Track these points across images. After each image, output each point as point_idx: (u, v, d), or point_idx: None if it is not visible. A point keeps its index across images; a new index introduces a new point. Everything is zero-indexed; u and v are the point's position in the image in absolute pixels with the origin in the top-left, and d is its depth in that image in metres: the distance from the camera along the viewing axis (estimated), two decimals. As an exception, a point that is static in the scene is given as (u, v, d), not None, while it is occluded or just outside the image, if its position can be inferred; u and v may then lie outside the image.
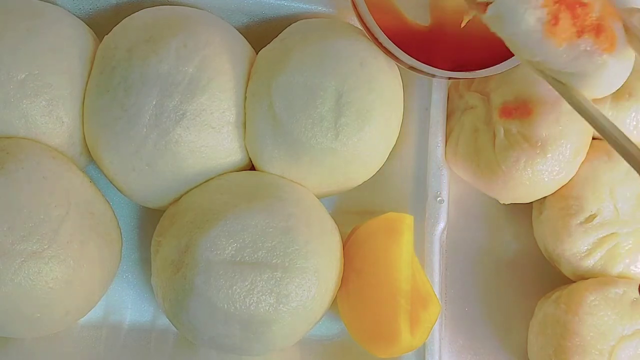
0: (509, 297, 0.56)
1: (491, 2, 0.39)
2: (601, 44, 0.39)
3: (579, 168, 0.52)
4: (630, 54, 0.41)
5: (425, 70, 0.48)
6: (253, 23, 0.54)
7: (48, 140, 0.48)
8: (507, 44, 0.41)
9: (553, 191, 0.52)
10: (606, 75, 0.41)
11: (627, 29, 0.41)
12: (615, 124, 0.52)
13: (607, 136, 0.41)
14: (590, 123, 0.41)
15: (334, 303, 0.50)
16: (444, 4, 0.49)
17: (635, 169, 0.39)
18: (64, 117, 0.48)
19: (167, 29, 0.48)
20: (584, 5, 0.39)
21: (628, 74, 0.42)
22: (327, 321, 0.53)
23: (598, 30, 0.39)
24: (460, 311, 0.55)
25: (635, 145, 0.39)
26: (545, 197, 0.53)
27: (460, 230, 0.56)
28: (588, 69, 0.40)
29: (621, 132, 0.40)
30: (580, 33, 0.39)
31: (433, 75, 0.49)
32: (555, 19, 0.39)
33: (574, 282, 0.52)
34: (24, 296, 0.44)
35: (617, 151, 0.40)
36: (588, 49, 0.39)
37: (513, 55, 0.48)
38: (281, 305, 0.45)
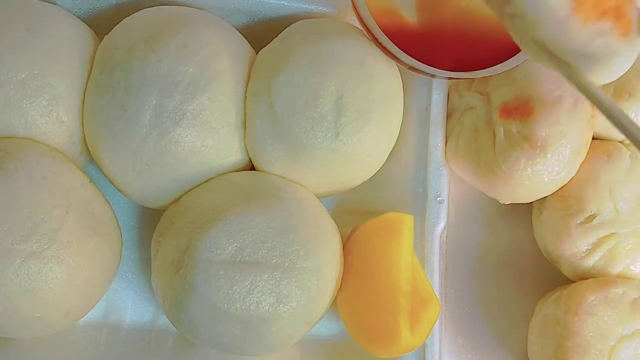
0: (509, 297, 0.56)
1: None
2: (619, 29, 0.39)
3: (579, 168, 0.52)
4: (638, 43, 0.41)
5: (425, 70, 0.48)
6: (253, 23, 0.54)
7: (48, 140, 0.48)
8: (512, 22, 0.40)
9: (553, 191, 0.52)
10: (616, 59, 0.40)
11: None
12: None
13: (613, 119, 0.39)
14: (596, 105, 0.40)
15: (334, 303, 0.50)
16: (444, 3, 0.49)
17: None
18: (64, 117, 0.48)
19: (167, 28, 0.48)
20: None
21: (632, 63, 0.42)
22: (327, 321, 0.53)
23: (617, 14, 0.39)
24: (460, 311, 0.55)
25: None
26: (545, 197, 0.53)
27: (460, 230, 0.56)
28: (600, 52, 0.40)
29: (626, 115, 0.39)
30: (601, 15, 0.39)
31: (433, 75, 0.49)
32: None
33: (574, 282, 0.52)
34: (24, 296, 0.43)
35: (623, 133, 0.39)
36: (606, 31, 0.39)
37: (513, 55, 0.48)
38: (281, 305, 0.45)
